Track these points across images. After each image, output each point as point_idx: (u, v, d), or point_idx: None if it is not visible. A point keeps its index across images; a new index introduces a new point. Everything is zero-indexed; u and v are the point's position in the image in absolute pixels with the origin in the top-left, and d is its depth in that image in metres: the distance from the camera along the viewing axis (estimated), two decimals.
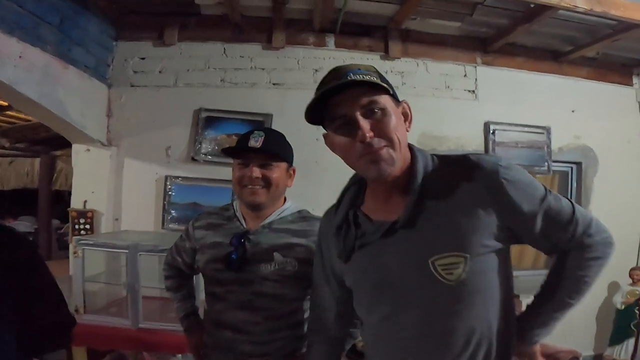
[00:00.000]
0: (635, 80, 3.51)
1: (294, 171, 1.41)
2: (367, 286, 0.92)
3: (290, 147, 1.41)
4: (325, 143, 0.94)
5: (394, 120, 0.85)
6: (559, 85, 3.37)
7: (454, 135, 3.21)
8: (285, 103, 3.06)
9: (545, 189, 0.88)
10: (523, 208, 0.83)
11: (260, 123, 2.97)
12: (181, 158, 2.97)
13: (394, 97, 0.88)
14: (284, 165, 1.35)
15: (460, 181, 0.84)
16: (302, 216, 1.40)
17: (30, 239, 2.81)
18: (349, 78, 0.82)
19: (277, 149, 1.32)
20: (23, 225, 6.56)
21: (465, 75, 3.27)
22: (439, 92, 3.22)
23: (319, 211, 3.23)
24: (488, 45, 3.23)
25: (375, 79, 0.83)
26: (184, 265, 1.49)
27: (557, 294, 0.89)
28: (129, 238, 2.43)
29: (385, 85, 0.84)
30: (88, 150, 2.86)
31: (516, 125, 3.27)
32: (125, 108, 2.97)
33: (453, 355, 0.83)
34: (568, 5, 2.35)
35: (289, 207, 1.40)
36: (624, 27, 2.70)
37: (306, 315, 1.37)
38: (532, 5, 2.57)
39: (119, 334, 2.16)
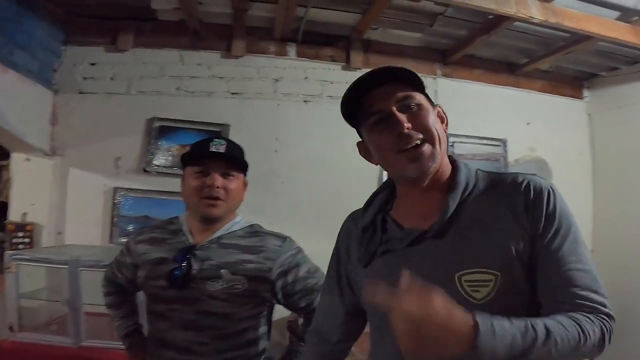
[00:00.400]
0: (585, 93, 3.63)
1: (246, 184, 1.36)
2: None
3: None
4: (359, 152, 0.92)
5: (432, 116, 0.83)
6: (515, 98, 3.45)
7: None
8: (244, 113, 2.98)
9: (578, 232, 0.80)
10: (554, 239, 0.76)
11: (217, 133, 2.88)
12: (132, 169, 2.83)
13: (428, 98, 0.86)
14: (241, 176, 1.30)
15: (504, 197, 0.80)
16: (254, 231, 1.34)
17: None
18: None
19: (240, 158, 1.28)
20: None
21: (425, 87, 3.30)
22: None
23: (279, 225, 3.15)
24: (447, 56, 3.28)
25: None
26: (125, 281, 1.41)
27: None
28: (71, 252, 2.27)
29: (421, 81, 0.83)
30: (28, 159, 2.67)
31: (474, 137, 3.31)
32: (72, 116, 2.81)
33: None
34: (524, 16, 2.40)
35: (239, 221, 1.34)
36: (576, 39, 2.79)
37: (259, 333, 1.31)
38: (490, 17, 2.62)
39: (59, 353, 2.02)
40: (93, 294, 2.06)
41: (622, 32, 2.58)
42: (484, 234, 0.78)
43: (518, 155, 3.42)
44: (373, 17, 2.77)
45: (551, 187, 0.80)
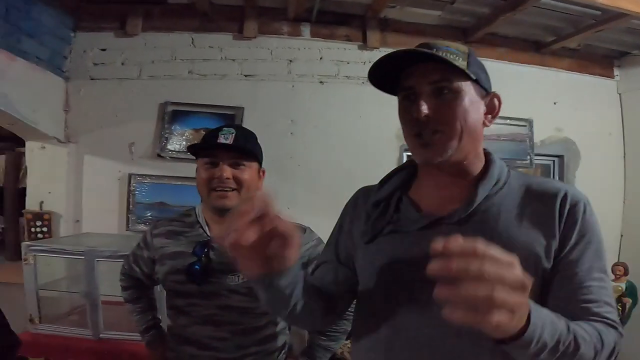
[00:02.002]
0: (616, 72, 3.44)
1: (263, 173, 1.31)
2: (379, 279, 0.83)
3: (260, 146, 1.30)
4: (398, 112, 0.86)
5: (465, 106, 0.78)
6: (541, 77, 3.29)
7: None
8: (258, 95, 2.91)
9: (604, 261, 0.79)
10: (579, 251, 0.76)
11: (230, 117, 2.82)
12: (146, 155, 2.80)
13: (481, 85, 0.81)
14: (255, 165, 1.25)
15: (537, 203, 0.78)
16: None
17: None
18: (433, 51, 0.76)
19: (250, 147, 1.21)
20: None
21: None
22: None
23: (295, 208, 3.10)
24: (469, 35, 3.12)
25: (460, 60, 0.77)
26: (143, 275, 1.38)
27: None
28: (88, 242, 2.27)
29: (466, 70, 0.76)
30: (43, 147, 2.66)
31: (498, 117, 3.17)
32: (84, 102, 2.78)
33: None
34: None
35: None
36: (607, 17, 2.62)
37: (279, 328, 1.29)
38: None
39: (79, 344, 2.03)
40: (111, 284, 2.06)
41: None
42: (505, 232, 0.76)
43: (544, 136, 3.28)
44: None
45: (586, 200, 0.80)
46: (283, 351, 1.32)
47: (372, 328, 0.83)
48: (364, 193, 0.96)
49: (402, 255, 0.80)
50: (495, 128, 3.16)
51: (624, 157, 3.40)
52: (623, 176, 3.40)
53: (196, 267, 1.19)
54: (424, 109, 0.76)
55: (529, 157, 3.22)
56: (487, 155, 0.87)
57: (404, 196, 0.87)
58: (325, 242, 1.28)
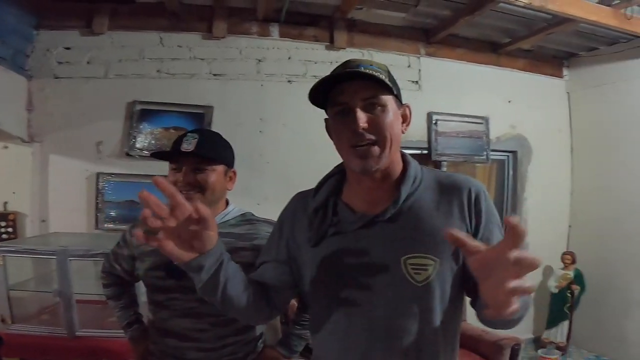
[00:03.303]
0: (565, 72, 3.70)
1: (234, 173, 1.35)
2: (332, 274, 0.92)
3: (230, 147, 1.35)
4: (326, 127, 0.97)
5: (391, 119, 0.87)
6: (497, 76, 3.49)
7: None
8: (227, 94, 2.95)
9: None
10: (485, 230, 0.89)
11: (200, 115, 2.84)
12: (114, 154, 2.78)
13: (397, 98, 0.90)
14: (220, 168, 1.28)
15: (451, 195, 0.90)
16: (246, 219, 1.35)
17: None
18: (360, 69, 0.84)
19: (212, 152, 1.25)
20: None
21: (409, 66, 3.31)
22: None
23: (265, 205, 3.16)
24: (431, 36, 3.28)
25: (384, 77, 0.85)
26: (124, 272, 1.42)
27: None
28: (57, 241, 2.24)
29: (391, 85, 0.85)
30: (6, 147, 2.60)
31: (456, 115, 3.35)
32: (48, 101, 2.73)
33: (398, 356, 0.85)
34: None
35: (232, 210, 1.35)
36: (558, 20, 2.83)
37: None
38: None
39: (54, 343, 2.01)
40: (83, 283, 2.08)
41: (603, 15, 2.64)
42: (429, 223, 0.87)
43: (499, 133, 3.49)
44: None
45: (484, 189, 0.94)
46: (260, 340, 1.39)
47: (329, 316, 0.92)
48: (299, 200, 1.04)
49: (347, 251, 0.90)
50: (453, 125, 3.34)
51: (572, 152, 3.67)
52: (570, 170, 3.67)
53: (175, 262, 1.24)
54: (362, 122, 0.84)
55: (485, 153, 3.41)
56: (404, 156, 0.96)
57: (339, 200, 0.96)
58: None
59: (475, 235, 0.88)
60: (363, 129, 0.84)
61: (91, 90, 2.78)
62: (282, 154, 3.00)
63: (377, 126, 0.85)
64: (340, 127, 0.88)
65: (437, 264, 0.85)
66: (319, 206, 0.96)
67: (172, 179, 1.24)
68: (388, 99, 0.87)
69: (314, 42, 3.13)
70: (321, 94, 0.89)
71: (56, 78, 2.76)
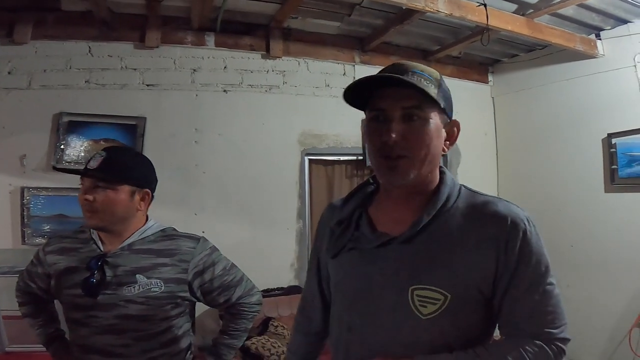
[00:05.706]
0: (490, 77, 3.92)
1: (147, 194, 1.33)
2: (344, 290, 0.92)
3: (145, 167, 1.34)
4: (361, 128, 0.93)
5: (431, 134, 0.81)
6: None
7: (333, 133, 3.27)
8: (161, 105, 2.91)
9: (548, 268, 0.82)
10: (525, 274, 0.79)
11: (132, 127, 2.79)
12: (40, 167, 2.67)
13: (445, 113, 0.84)
14: (125, 188, 1.26)
15: (479, 225, 0.81)
16: (166, 235, 1.34)
17: None
18: (406, 77, 0.78)
19: (112, 172, 1.23)
20: None
21: (344, 74, 3.40)
22: (319, 91, 3.31)
23: (202, 215, 3.12)
24: (365, 44, 3.38)
25: (432, 87, 0.80)
26: (39, 290, 1.39)
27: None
28: None
29: (437, 99, 0.79)
30: None
31: None
32: None
33: None
34: (432, 10, 2.53)
35: (152, 226, 1.34)
36: (480, 29, 2.99)
37: (181, 331, 1.34)
38: (403, 8, 2.73)
39: None
40: (11, 299, 2.00)
41: (518, 25, 2.82)
42: (447, 254, 0.80)
43: None
44: (293, 7, 2.80)
45: (527, 220, 0.81)
46: (189, 352, 1.38)
47: (336, 329, 0.95)
48: (330, 210, 1.04)
49: (360, 270, 0.87)
50: None
51: (497, 154, 3.88)
52: (496, 171, 3.86)
53: (92, 280, 1.21)
54: (394, 134, 0.79)
55: None
56: (442, 174, 0.90)
57: (364, 214, 0.92)
58: (218, 250, 1.39)
59: (500, 277, 0.79)
60: (395, 142, 0.79)
61: (13, 101, 2.66)
62: (218, 164, 2.98)
63: (412, 141, 0.80)
64: (373, 134, 0.83)
65: (448, 300, 0.78)
66: (343, 218, 0.94)
67: (79, 196, 1.25)
68: (432, 112, 0.81)
69: (250, 51, 3.15)
70: (359, 95, 0.84)
71: None
